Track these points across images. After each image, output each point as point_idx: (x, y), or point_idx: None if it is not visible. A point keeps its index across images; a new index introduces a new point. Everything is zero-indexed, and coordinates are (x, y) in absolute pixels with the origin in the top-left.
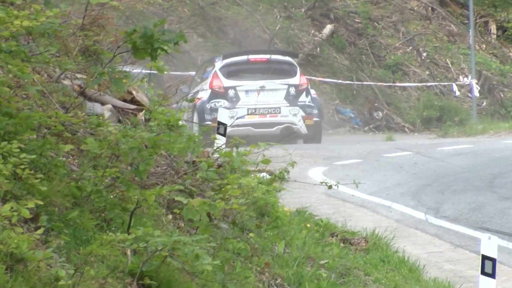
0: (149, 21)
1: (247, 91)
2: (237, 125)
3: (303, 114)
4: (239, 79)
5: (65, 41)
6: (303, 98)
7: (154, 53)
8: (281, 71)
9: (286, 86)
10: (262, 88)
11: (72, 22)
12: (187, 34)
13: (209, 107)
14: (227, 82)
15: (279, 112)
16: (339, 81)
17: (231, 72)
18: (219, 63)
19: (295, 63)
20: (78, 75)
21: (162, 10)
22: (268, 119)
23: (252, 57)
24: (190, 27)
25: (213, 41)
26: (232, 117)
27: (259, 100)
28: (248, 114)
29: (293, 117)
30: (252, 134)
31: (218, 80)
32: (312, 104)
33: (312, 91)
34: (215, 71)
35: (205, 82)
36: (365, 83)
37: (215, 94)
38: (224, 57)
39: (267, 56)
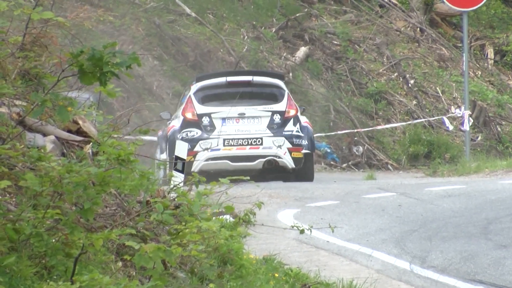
0: (98, 41)
1: (223, 119)
2: (212, 158)
3: (289, 145)
4: (215, 105)
5: (2, 63)
6: (290, 127)
7: (103, 77)
8: (265, 95)
9: (270, 113)
10: (242, 116)
11: (10, 40)
12: (141, 56)
13: (180, 138)
14: (201, 109)
15: (261, 143)
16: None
17: (207, 96)
18: (194, 87)
19: (283, 87)
20: (17, 102)
21: (114, 29)
22: (248, 151)
23: (231, 79)
24: (145, 48)
25: (170, 64)
26: (206, 149)
27: (238, 130)
28: (224, 146)
29: (278, 149)
30: (230, 169)
31: (191, 106)
32: (301, 134)
33: (303, 119)
34: (189, 95)
35: (180, 108)
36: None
37: (188, 123)
38: (198, 79)
39: (249, 78)
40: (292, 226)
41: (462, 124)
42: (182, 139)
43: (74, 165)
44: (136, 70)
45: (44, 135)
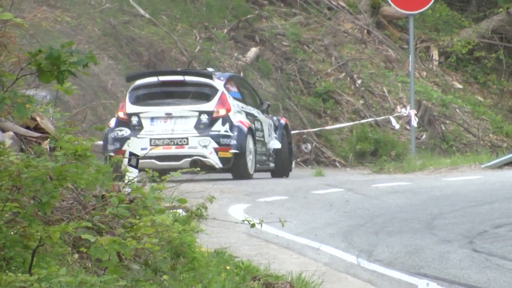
0: (55, 41)
1: (152, 119)
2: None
3: (215, 145)
4: (146, 105)
5: None
6: (217, 126)
7: (60, 75)
8: (198, 95)
9: (197, 113)
10: (169, 116)
11: None
12: (97, 55)
13: (112, 136)
14: (131, 108)
15: (187, 143)
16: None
17: (140, 96)
18: (130, 86)
19: (216, 86)
20: None
21: (70, 29)
22: (173, 150)
23: (163, 78)
24: (101, 47)
25: (125, 63)
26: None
27: (165, 129)
28: (150, 145)
29: (203, 148)
30: (158, 168)
31: (123, 106)
32: (230, 134)
33: (237, 118)
34: (126, 94)
35: None
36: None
37: (119, 122)
38: (128, 79)
39: (181, 78)
40: (243, 221)
41: (409, 122)
42: (114, 138)
43: (32, 160)
44: (92, 68)
45: (3, 131)
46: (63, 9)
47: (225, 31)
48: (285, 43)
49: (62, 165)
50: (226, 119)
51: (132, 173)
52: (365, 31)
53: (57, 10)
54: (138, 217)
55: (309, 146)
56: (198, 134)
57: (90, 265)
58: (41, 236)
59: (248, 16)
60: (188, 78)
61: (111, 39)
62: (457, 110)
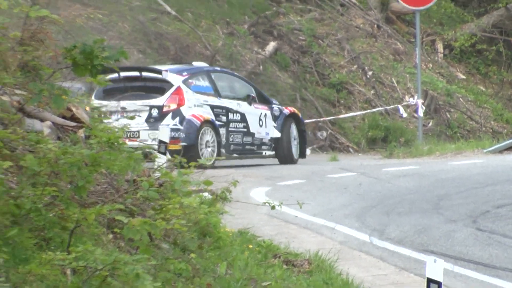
0: (88, 36)
1: (111, 113)
2: None
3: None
4: (107, 99)
5: (3, 56)
6: (167, 120)
7: (94, 69)
8: (153, 89)
9: (148, 108)
10: (124, 110)
11: (10, 35)
12: (127, 50)
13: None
14: (95, 103)
15: (138, 136)
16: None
17: (107, 90)
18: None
19: (173, 81)
20: (17, 91)
21: (102, 25)
22: (128, 143)
23: (124, 74)
24: (131, 43)
25: (154, 57)
26: None
27: (121, 123)
28: None
29: (153, 141)
30: None
31: (89, 101)
32: (180, 127)
33: (190, 113)
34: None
35: None
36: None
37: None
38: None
39: (137, 73)
40: (264, 203)
41: (416, 111)
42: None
43: (69, 147)
44: (123, 62)
45: (42, 121)
46: (96, 7)
47: (245, 27)
48: (301, 38)
49: (96, 152)
50: (176, 113)
51: (161, 159)
52: (375, 26)
53: (90, 7)
54: (167, 199)
55: (325, 133)
56: (148, 128)
57: (123, 244)
58: (77, 218)
59: (267, 13)
60: (144, 73)
61: (140, 35)
62: (461, 99)
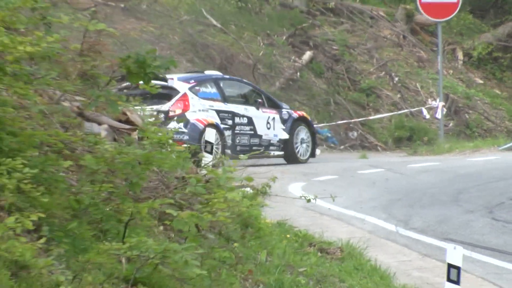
0: (141, 47)
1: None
2: None
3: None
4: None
5: (65, 66)
6: (172, 124)
7: (146, 77)
8: (162, 96)
9: (155, 113)
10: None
11: (71, 47)
12: (177, 59)
13: None
14: None
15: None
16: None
17: (129, 96)
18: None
19: (179, 88)
20: (77, 97)
21: (154, 37)
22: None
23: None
24: (180, 53)
25: (201, 66)
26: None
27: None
28: None
29: None
30: None
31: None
32: (184, 130)
33: (194, 117)
34: None
35: None
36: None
37: None
38: (118, 80)
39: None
40: (300, 196)
41: (437, 113)
42: None
43: (124, 148)
44: (173, 70)
45: (99, 124)
46: (148, 21)
47: (284, 38)
48: (334, 47)
49: (149, 152)
50: (181, 117)
51: (207, 158)
52: (401, 36)
53: (143, 21)
54: (212, 194)
55: (355, 134)
56: None
57: (173, 235)
58: (132, 212)
59: (303, 25)
60: (155, 82)
61: (188, 46)
62: (479, 101)
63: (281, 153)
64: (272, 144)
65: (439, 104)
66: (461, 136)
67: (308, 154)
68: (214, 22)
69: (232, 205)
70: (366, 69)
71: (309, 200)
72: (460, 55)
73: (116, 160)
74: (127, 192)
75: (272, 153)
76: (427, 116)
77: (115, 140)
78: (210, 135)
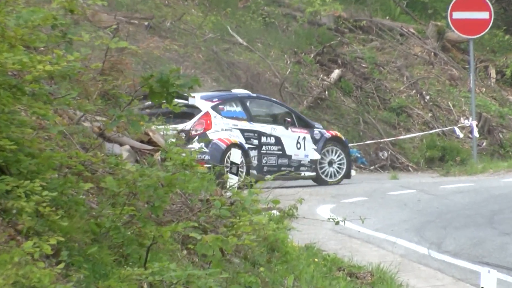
0: (165, 66)
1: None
2: None
3: None
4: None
5: (85, 85)
6: (195, 144)
7: (169, 96)
8: (185, 115)
9: (176, 132)
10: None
11: (92, 66)
12: (201, 78)
13: None
14: None
15: None
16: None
17: (151, 115)
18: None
19: (201, 107)
20: (98, 117)
21: (178, 56)
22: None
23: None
24: (205, 72)
25: (226, 85)
26: None
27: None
28: None
29: None
30: None
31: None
32: (206, 150)
33: (216, 136)
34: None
35: None
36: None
37: None
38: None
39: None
40: (329, 219)
41: (471, 132)
42: None
43: (146, 169)
44: (197, 90)
45: (121, 145)
46: (172, 39)
47: (311, 56)
48: (363, 65)
49: (172, 174)
50: (203, 137)
51: (232, 180)
52: (432, 53)
53: (166, 40)
54: (238, 217)
55: (386, 154)
56: None
57: (196, 260)
58: (154, 235)
59: (332, 43)
60: (178, 100)
61: (213, 64)
62: None
63: (313, 174)
64: (303, 165)
65: (472, 123)
66: (495, 156)
67: (341, 175)
68: (240, 40)
69: (258, 228)
70: (396, 88)
71: (337, 223)
72: (492, 72)
73: (138, 182)
74: (149, 215)
75: (303, 173)
76: (461, 135)
77: (137, 161)
78: (236, 155)
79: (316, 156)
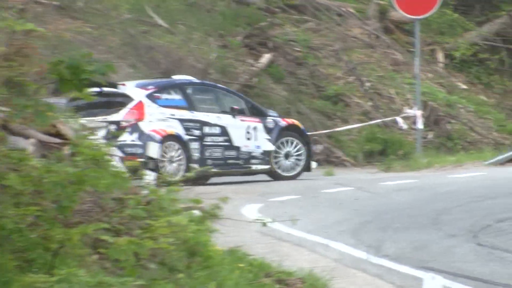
0: (77, 51)
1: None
2: None
3: (121, 154)
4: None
5: None
6: (125, 136)
7: (80, 84)
8: (115, 104)
9: (106, 124)
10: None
11: None
12: (116, 64)
13: None
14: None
15: None
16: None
17: (80, 106)
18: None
19: (134, 96)
20: (1, 108)
21: (92, 39)
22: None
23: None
24: (120, 57)
25: (144, 71)
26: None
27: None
28: None
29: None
30: None
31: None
32: (138, 143)
33: (150, 127)
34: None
35: None
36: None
37: None
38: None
39: (98, 88)
40: (256, 220)
41: (415, 123)
42: None
43: (53, 165)
44: (112, 77)
45: (26, 138)
46: (85, 21)
47: (239, 39)
48: (296, 49)
49: (82, 170)
50: (134, 129)
51: (149, 176)
52: (373, 36)
53: (78, 21)
54: (154, 218)
55: (320, 147)
56: None
57: (108, 265)
58: (61, 238)
59: (261, 24)
60: (105, 89)
61: (130, 49)
62: (462, 109)
63: (267, 167)
64: (254, 157)
65: (416, 112)
66: (442, 149)
67: (300, 168)
68: (160, 22)
69: (177, 230)
70: (333, 74)
71: (265, 224)
72: (440, 56)
73: (44, 179)
74: (56, 216)
75: (254, 167)
76: (405, 127)
77: (44, 156)
78: (153, 149)
79: (270, 147)
